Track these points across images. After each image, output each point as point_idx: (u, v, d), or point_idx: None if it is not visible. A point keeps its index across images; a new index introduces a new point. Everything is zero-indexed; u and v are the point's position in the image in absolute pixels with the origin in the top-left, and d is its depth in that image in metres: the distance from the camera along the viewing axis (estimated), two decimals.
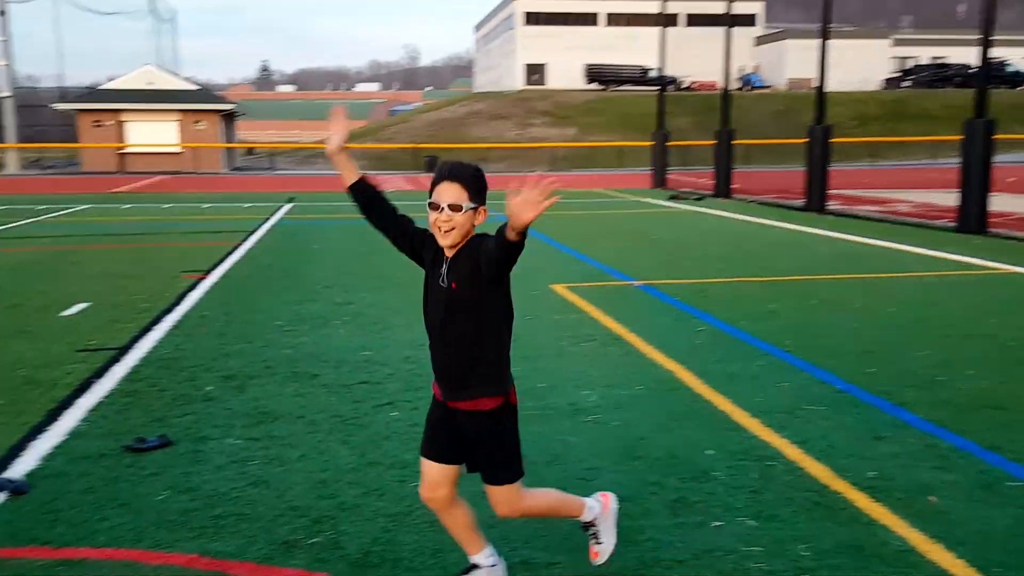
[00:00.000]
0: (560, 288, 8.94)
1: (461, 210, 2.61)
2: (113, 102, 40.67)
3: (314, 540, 3.34)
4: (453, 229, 2.60)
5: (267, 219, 16.93)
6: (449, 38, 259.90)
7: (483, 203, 2.67)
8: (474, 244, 2.65)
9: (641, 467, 4.09)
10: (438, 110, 61.35)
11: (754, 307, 7.89)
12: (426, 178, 33.11)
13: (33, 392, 5.29)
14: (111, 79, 44.36)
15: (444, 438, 2.79)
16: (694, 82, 57.62)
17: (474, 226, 2.67)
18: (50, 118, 48.32)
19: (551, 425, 4.70)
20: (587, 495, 3.70)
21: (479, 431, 2.74)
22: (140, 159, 40.19)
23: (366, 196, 2.84)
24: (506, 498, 2.81)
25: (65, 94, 49.22)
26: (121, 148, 40.38)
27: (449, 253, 2.67)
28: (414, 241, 2.77)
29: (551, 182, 2.39)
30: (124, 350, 6.34)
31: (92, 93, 43.46)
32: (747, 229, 15.16)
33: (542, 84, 64.39)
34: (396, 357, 6.12)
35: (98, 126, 40.52)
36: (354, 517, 3.54)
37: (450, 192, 2.61)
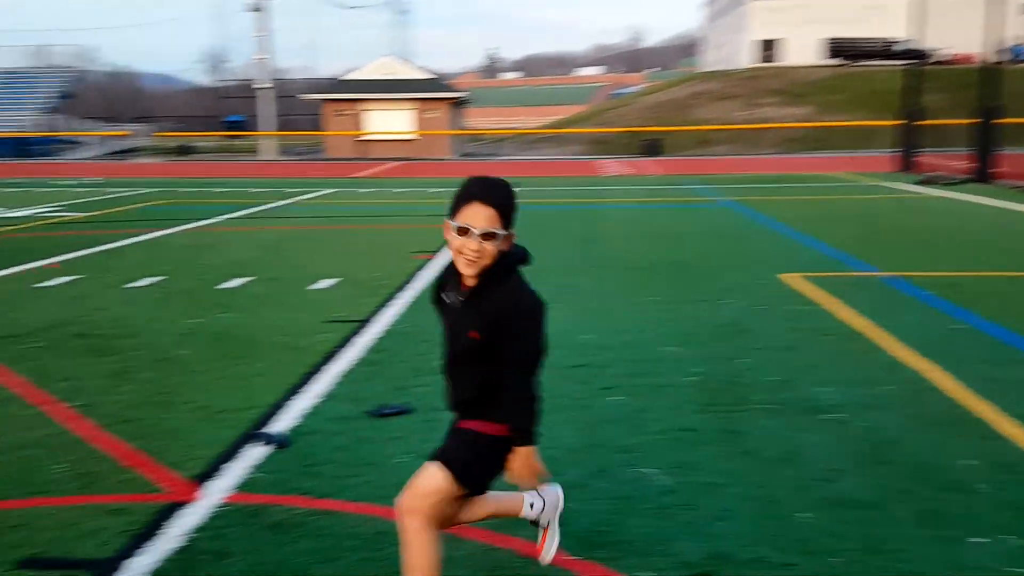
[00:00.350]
0: (790, 277, 8.52)
1: (495, 239, 2.34)
2: (354, 92, 43.81)
3: None
4: (481, 259, 2.35)
5: None
6: (675, 17, 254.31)
7: (512, 227, 2.42)
8: (502, 292, 2.39)
9: (888, 473, 3.80)
10: (660, 92, 60.38)
11: (1020, 305, 7.09)
12: (644, 162, 32.83)
13: (289, 357, 5.82)
14: (351, 70, 47.74)
15: None
16: (951, 55, 52.44)
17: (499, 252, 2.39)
18: (299, 108, 52.95)
19: (784, 420, 4.50)
20: (823, 497, 3.52)
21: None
22: (377, 146, 43.00)
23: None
24: (428, 480, 2.46)
25: (312, 85, 53.71)
26: (360, 136, 43.44)
27: (469, 283, 2.42)
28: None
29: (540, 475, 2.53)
30: (365, 322, 6.82)
31: (336, 84, 47.05)
32: (1011, 218, 13.64)
33: (774, 61, 61.33)
34: (617, 342, 6.12)
35: (340, 115, 43.83)
36: (579, 496, 3.58)
37: (483, 217, 2.33)
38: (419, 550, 2.43)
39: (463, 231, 2.33)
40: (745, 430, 4.35)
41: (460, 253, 2.35)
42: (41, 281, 8.63)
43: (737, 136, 42.82)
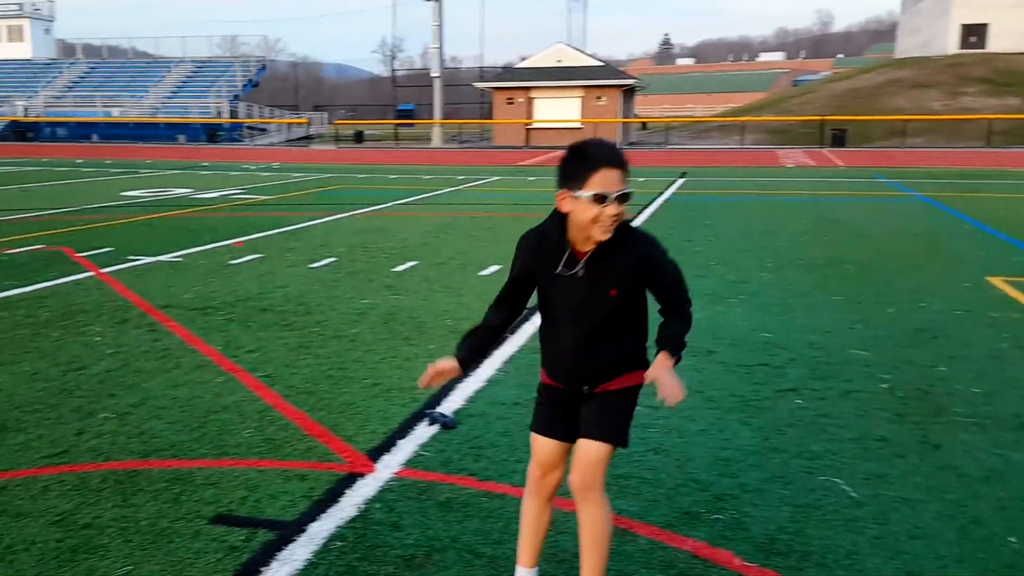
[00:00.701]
0: (999, 281, 7.77)
1: (629, 198, 2.30)
2: (524, 80, 44.24)
3: (716, 516, 3.25)
4: (617, 222, 2.30)
5: (660, 193, 17.18)
6: (868, 0, 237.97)
7: None
8: (630, 243, 2.36)
9: None
10: (850, 79, 56.98)
11: None
12: (829, 152, 31.20)
13: (457, 340, 5.89)
14: (523, 59, 48.26)
15: (558, 414, 2.57)
16: None
17: None
18: (468, 96, 54.18)
19: (989, 436, 4.08)
20: None
21: (607, 398, 2.52)
22: (544, 134, 43.29)
23: (485, 345, 2.68)
24: (599, 458, 2.45)
25: (483, 73, 54.76)
26: (528, 124, 43.85)
27: (586, 247, 2.36)
28: (522, 283, 2.55)
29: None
30: (533, 310, 6.80)
31: (506, 72, 47.75)
32: None
33: (981, 47, 56.31)
34: (799, 342, 5.78)
35: (510, 103, 44.41)
36: (757, 500, 3.39)
37: (617, 180, 2.27)
38: (606, 517, 2.50)
39: (600, 198, 2.27)
40: (943, 444, 3.97)
41: (595, 222, 2.29)
42: (230, 259, 9.25)
43: (934, 126, 39.78)
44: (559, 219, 2.38)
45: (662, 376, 2.34)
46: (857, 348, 5.62)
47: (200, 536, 3.10)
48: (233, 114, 49.32)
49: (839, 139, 37.99)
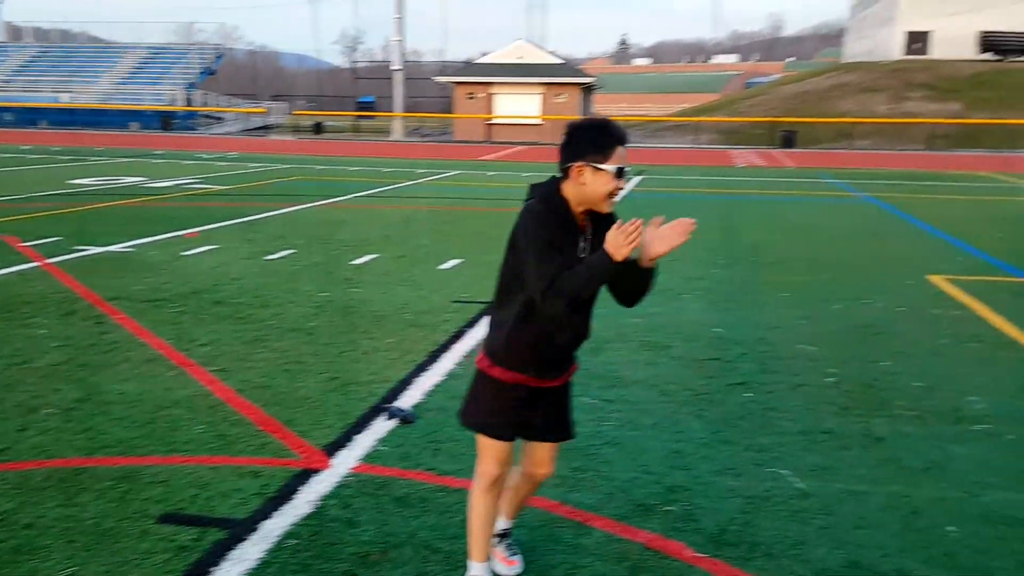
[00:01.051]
0: (939, 280, 8.01)
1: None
2: (485, 75, 44.20)
3: (669, 508, 3.33)
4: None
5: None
6: (819, 5, 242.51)
7: None
8: (611, 215, 2.49)
9: None
10: (800, 82, 58.02)
11: None
12: (779, 153, 31.65)
13: (416, 334, 5.91)
14: (484, 54, 48.18)
15: (522, 418, 2.60)
16: None
17: None
18: (429, 90, 53.94)
19: (929, 429, 4.22)
20: (970, 511, 3.31)
21: (563, 394, 2.67)
22: (505, 129, 43.30)
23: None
24: (557, 450, 2.75)
25: (444, 68, 54.54)
26: (489, 119, 43.82)
27: (583, 221, 2.47)
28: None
29: (693, 224, 2.40)
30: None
31: (468, 67, 47.64)
32: None
33: (924, 54, 57.79)
34: (749, 338, 5.91)
35: (471, 98, 44.34)
36: (709, 492, 3.47)
37: (627, 156, 2.44)
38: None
39: (621, 172, 2.39)
40: (886, 436, 4.10)
41: (611, 195, 2.40)
42: (183, 250, 9.12)
43: (880, 130, 40.70)
44: (561, 196, 2.42)
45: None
46: (804, 343, 5.76)
47: (148, 536, 3.04)
48: (188, 102, 48.42)
49: (789, 140, 38.65)
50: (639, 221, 2.31)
